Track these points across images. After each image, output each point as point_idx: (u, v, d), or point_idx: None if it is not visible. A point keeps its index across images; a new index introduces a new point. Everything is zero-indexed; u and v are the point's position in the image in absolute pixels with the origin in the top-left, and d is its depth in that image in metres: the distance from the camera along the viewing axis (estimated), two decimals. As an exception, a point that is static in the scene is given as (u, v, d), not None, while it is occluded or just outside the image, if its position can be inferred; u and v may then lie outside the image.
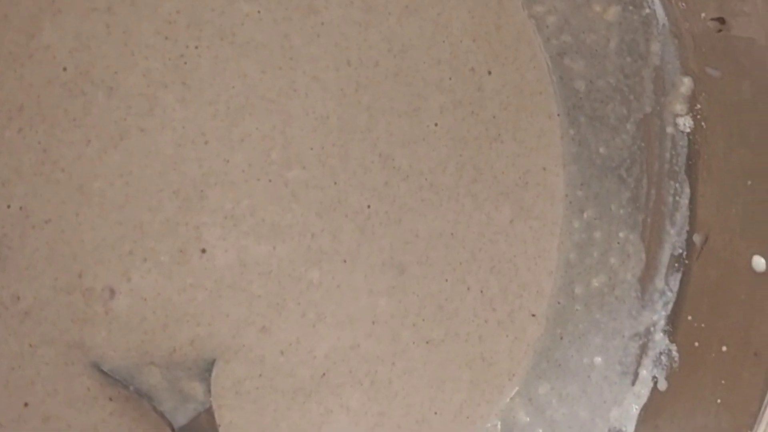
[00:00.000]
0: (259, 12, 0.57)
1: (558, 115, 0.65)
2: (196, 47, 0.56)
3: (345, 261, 0.60)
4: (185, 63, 0.56)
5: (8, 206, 0.53)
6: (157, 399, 0.54)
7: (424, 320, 0.62)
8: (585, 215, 0.66)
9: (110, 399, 0.55)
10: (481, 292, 0.64)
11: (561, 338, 0.65)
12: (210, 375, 0.56)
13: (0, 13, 0.52)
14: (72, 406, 0.54)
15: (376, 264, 0.61)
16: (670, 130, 0.62)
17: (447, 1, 0.63)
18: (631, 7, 0.61)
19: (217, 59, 0.56)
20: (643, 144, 0.64)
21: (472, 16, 0.63)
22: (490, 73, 0.64)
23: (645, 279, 0.64)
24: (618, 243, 0.65)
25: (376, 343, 0.61)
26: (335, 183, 0.59)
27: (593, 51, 0.64)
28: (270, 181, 0.57)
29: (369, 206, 0.60)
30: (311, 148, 0.58)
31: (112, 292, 0.54)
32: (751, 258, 0.56)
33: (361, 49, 0.60)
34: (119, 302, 0.55)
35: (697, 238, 0.61)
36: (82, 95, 0.54)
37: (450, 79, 0.62)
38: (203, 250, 0.56)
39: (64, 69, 0.53)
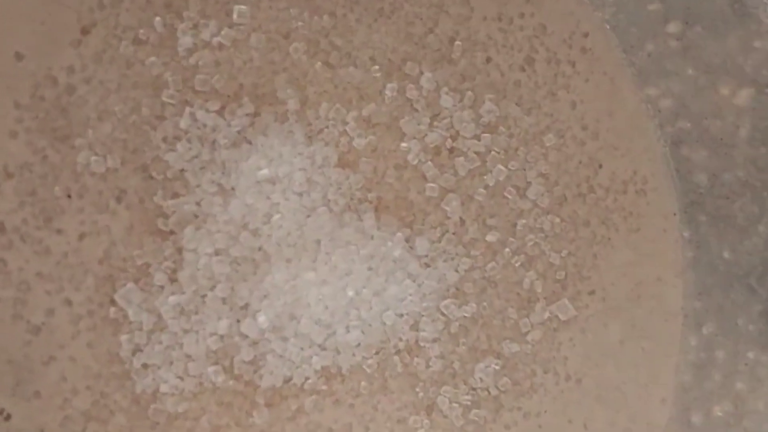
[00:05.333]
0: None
1: (674, 214, 0.55)
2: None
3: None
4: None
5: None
6: None
7: (519, 458, 0.52)
8: (704, 330, 0.55)
9: None
10: (585, 426, 0.53)
11: (678, 478, 0.55)
12: None
13: None
14: None
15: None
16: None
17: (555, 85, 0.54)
18: (767, 90, 0.52)
19: None
20: (779, 248, 0.54)
21: (581, 100, 0.54)
22: (601, 166, 0.54)
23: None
24: (746, 365, 0.54)
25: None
26: None
27: (718, 140, 0.54)
28: None
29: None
30: None
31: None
32: None
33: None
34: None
35: None
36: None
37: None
38: None
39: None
